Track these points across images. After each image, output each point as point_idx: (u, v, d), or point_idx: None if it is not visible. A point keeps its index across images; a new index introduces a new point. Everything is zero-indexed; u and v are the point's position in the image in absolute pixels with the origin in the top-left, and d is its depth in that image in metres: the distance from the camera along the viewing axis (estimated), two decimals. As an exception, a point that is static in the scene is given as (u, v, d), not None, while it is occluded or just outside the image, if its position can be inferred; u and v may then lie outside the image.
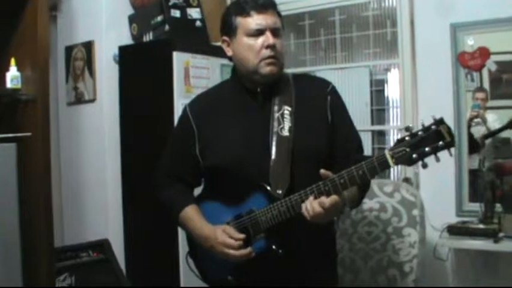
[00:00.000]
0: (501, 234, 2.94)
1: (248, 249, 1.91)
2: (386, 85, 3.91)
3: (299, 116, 2.01)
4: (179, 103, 3.25)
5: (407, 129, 1.72)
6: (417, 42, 3.57)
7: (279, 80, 2.06)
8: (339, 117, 2.07)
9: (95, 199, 3.68)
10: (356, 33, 3.99)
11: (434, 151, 1.67)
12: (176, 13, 3.58)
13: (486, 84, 3.37)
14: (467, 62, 3.38)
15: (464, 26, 3.36)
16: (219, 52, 3.39)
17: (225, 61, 3.43)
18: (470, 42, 3.38)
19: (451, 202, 3.40)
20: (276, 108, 2.02)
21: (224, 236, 1.93)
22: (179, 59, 3.39)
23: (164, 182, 2.18)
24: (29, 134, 2.74)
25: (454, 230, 3.10)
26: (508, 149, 3.34)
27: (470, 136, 3.40)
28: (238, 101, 2.07)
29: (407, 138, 1.70)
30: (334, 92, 2.10)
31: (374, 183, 2.83)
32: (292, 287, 1.99)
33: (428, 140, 1.67)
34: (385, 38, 3.86)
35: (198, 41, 3.64)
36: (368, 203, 2.84)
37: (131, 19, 3.77)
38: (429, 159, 1.69)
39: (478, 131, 3.40)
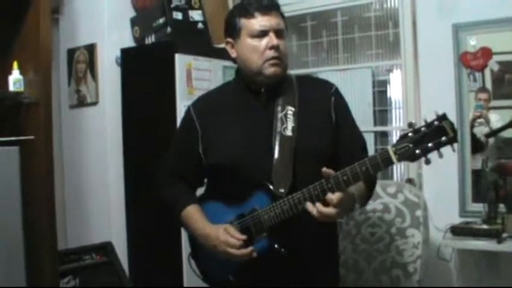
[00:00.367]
0: (505, 235, 2.93)
1: (250, 249, 1.91)
2: (388, 86, 3.91)
3: (302, 117, 2.02)
4: (182, 105, 3.25)
5: (410, 125, 1.72)
6: (420, 42, 3.57)
7: (283, 81, 2.07)
8: (343, 118, 2.08)
9: (98, 201, 3.68)
10: (358, 34, 3.99)
11: (437, 147, 1.67)
12: (178, 15, 3.59)
13: (488, 85, 3.37)
14: (470, 62, 3.37)
15: (466, 26, 3.36)
16: (221, 54, 3.43)
17: (227, 63, 3.47)
18: (473, 43, 3.37)
19: (454, 202, 3.40)
20: (279, 108, 2.03)
21: (226, 235, 1.93)
22: (181, 61, 3.39)
23: (166, 181, 2.19)
24: (31, 137, 2.74)
25: (457, 231, 3.09)
26: (511, 149, 3.34)
27: (473, 136, 3.40)
28: (241, 101, 2.09)
29: (410, 134, 1.70)
30: (337, 93, 2.11)
31: (377, 184, 2.81)
32: (294, 287, 1.99)
33: (431, 136, 1.67)
34: (387, 39, 3.85)
35: (200, 43, 3.65)
36: (371, 204, 2.84)
37: (133, 21, 3.78)
38: (433, 155, 1.69)
39: (481, 131, 3.39)
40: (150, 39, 3.67)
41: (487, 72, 3.36)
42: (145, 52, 3.68)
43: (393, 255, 2.74)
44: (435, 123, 1.67)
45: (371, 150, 3.30)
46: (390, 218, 2.81)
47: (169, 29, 3.53)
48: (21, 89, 2.76)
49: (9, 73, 2.75)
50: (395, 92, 3.85)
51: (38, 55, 2.78)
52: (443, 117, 1.67)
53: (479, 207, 3.23)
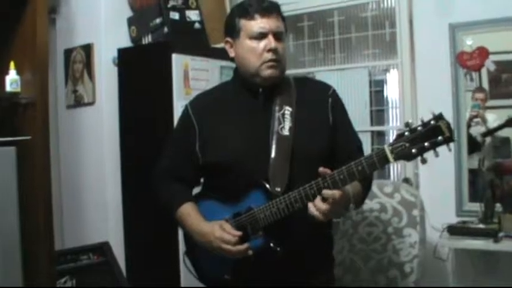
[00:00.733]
0: (501, 234, 2.94)
1: (245, 245, 1.91)
2: (385, 86, 3.91)
3: (300, 117, 2.03)
4: (179, 105, 3.24)
5: (407, 124, 1.73)
6: (416, 42, 3.58)
7: (281, 81, 2.09)
8: (340, 120, 2.10)
9: (95, 201, 3.68)
10: (355, 34, 3.99)
11: (433, 146, 1.67)
12: (175, 15, 3.58)
13: (485, 84, 3.38)
14: (466, 62, 3.38)
15: (463, 26, 3.37)
16: (218, 54, 3.44)
17: (225, 63, 3.49)
18: (469, 42, 3.38)
19: (451, 202, 3.41)
20: (277, 108, 2.05)
21: (221, 231, 1.93)
22: (178, 61, 3.39)
23: (163, 179, 2.19)
24: (28, 137, 2.74)
25: (454, 230, 3.10)
26: (507, 149, 3.35)
27: (470, 136, 3.41)
28: (239, 100, 2.10)
29: (406, 133, 1.71)
30: (335, 95, 2.13)
31: (374, 184, 2.82)
32: (288, 286, 1.99)
33: (427, 135, 1.68)
34: (384, 39, 3.86)
35: (197, 43, 3.64)
36: (368, 204, 2.84)
37: (130, 21, 3.77)
38: (429, 155, 1.69)
39: (478, 131, 3.40)
40: (147, 39, 3.66)
41: (484, 71, 3.37)
42: (142, 52, 3.67)
43: (390, 254, 2.75)
44: (432, 122, 1.68)
45: (367, 150, 3.32)
46: (387, 217, 2.82)
47: (166, 29, 3.53)
48: (18, 89, 2.75)
49: (6, 73, 2.74)
50: (391, 91, 3.85)
51: (35, 55, 2.77)
52: (439, 117, 1.67)
53: (476, 206, 3.24)
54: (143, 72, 3.52)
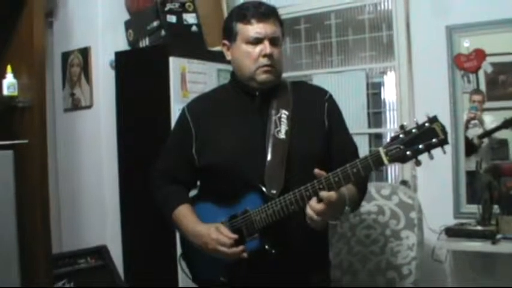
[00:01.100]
0: (499, 236, 2.94)
1: (241, 248, 1.91)
2: (382, 88, 3.91)
3: (296, 120, 2.04)
4: (176, 108, 3.25)
5: (401, 127, 1.74)
6: (413, 44, 3.58)
7: (278, 85, 2.10)
8: (336, 124, 2.12)
9: (92, 205, 3.68)
10: (352, 36, 3.99)
11: (428, 148, 1.68)
12: (172, 18, 3.59)
13: (482, 86, 3.37)
14: (463, 64, 3.38)
15: (460, 28, 3.37)
16: (215, 57, 3.44)
17: (222, 66, 3.49)
18: (466, 44, 3.38)
19: (449, 204, 3.40)
20: (273, 111, 2.06)
21: (217, 233, 1.94)
22: (175, 64, 3.39)
23: (160, 181, 2.20)
24: (26, 141, 2.74)
25: (451, 232, 3.10)
26: (505, 150, 3.35)
27: (467, 138, 3.41)
28: (236, 103, 2.11)
29: (401, 135, 1.72)
30: (331, 100, 2.15)
31: (372, 186, 2.83)
32: (284, 288, 1.99)
33: (422, 138, 1.68)
34: (381, 41, 3.86)
35: (194, 46, 3.65)
36: (365, 206, 2.84)
37: (127, 25, 3.78)
38: (424, 157, 1.70)
39: (475, 133, 3.40)
40: (144, 43, 3.67)
41: (481, 73, 3.37)
42: (139, 55, 3.68)
43: (388, 257, 2.74)
44: (426, 125, 1.68)
45: (365, 152, 3.29)
46: (385, 220, 2.81)
47: (163, 32, 3.53)
48: (15, 92, 2.76)
49: (3, 77, 2.74)
50: (389, 94, 3.85)
51: (32, 59, 2.78)
52: (434, 119, 1.68)
53: (474, 208, 3.23)
54: (140, 75, 3.52)
